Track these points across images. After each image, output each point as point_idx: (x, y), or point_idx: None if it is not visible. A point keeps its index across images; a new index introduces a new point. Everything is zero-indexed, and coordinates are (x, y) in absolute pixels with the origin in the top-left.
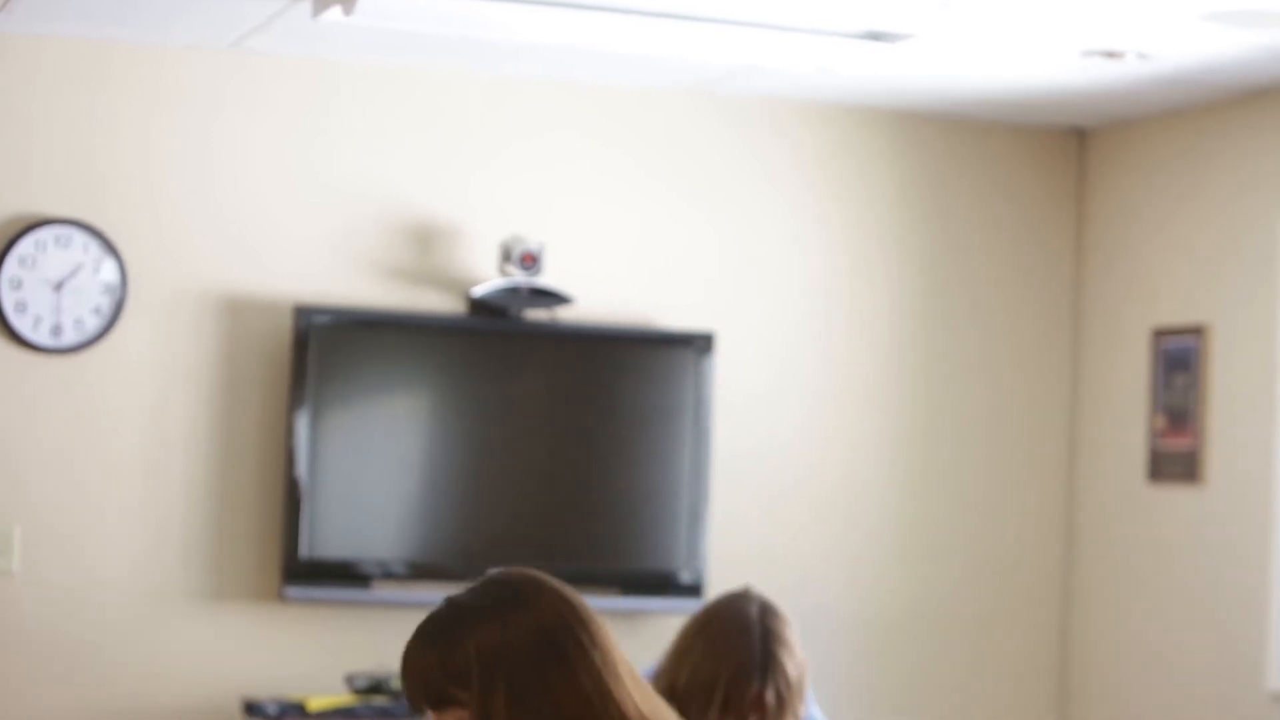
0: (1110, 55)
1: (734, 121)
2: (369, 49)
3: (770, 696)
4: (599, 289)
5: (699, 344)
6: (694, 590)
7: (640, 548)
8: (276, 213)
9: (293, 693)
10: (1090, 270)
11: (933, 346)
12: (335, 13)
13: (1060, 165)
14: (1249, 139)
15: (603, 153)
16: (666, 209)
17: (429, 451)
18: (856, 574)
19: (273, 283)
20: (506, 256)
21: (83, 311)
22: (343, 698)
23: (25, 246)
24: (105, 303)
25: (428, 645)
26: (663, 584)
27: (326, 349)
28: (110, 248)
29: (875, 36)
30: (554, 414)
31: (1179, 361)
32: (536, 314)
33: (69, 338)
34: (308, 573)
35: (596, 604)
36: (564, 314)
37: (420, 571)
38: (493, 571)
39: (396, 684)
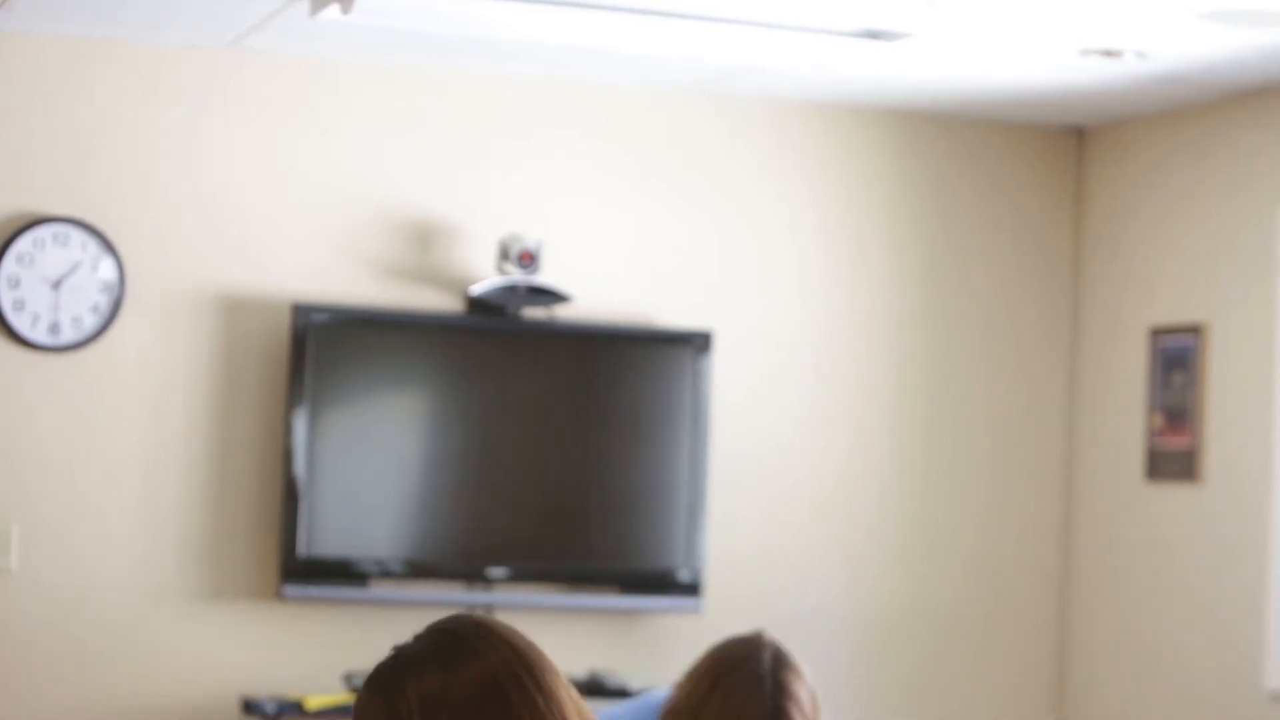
0: (1109, 54)
1: (732, 120)
2: (367, 47)
3: None
4: (597, 287)
5: (697, 342)
6: (692, 589)
7: (638, 546)
8: (275, 211)
9: (291, 691)
10: (1088, 269)
11: (931, 345)
12: (333, 11)
13: (1059, 164)
14: (1247, 138)
15: (601, 151)
16: (665, 208)
17: (427, 450)
18: (855, 572)
19: (271, 281)
20: (504, 255)
21: (81, 310)
22: (341, 696)
23: (23, 245)
24: (103, 301)
25: (374, 694)
26: (661, 583)
27: (324, 347)
28: (108, 246)
29: (873, 35)
30: (552, 412)
31: (1177, 360)
32: (534, 312)
33: (67, 336)
34: (306, 571)
35: (595, 603)
36: (562, 312)
37: (418, 570)
38: (440, 619)
39: None
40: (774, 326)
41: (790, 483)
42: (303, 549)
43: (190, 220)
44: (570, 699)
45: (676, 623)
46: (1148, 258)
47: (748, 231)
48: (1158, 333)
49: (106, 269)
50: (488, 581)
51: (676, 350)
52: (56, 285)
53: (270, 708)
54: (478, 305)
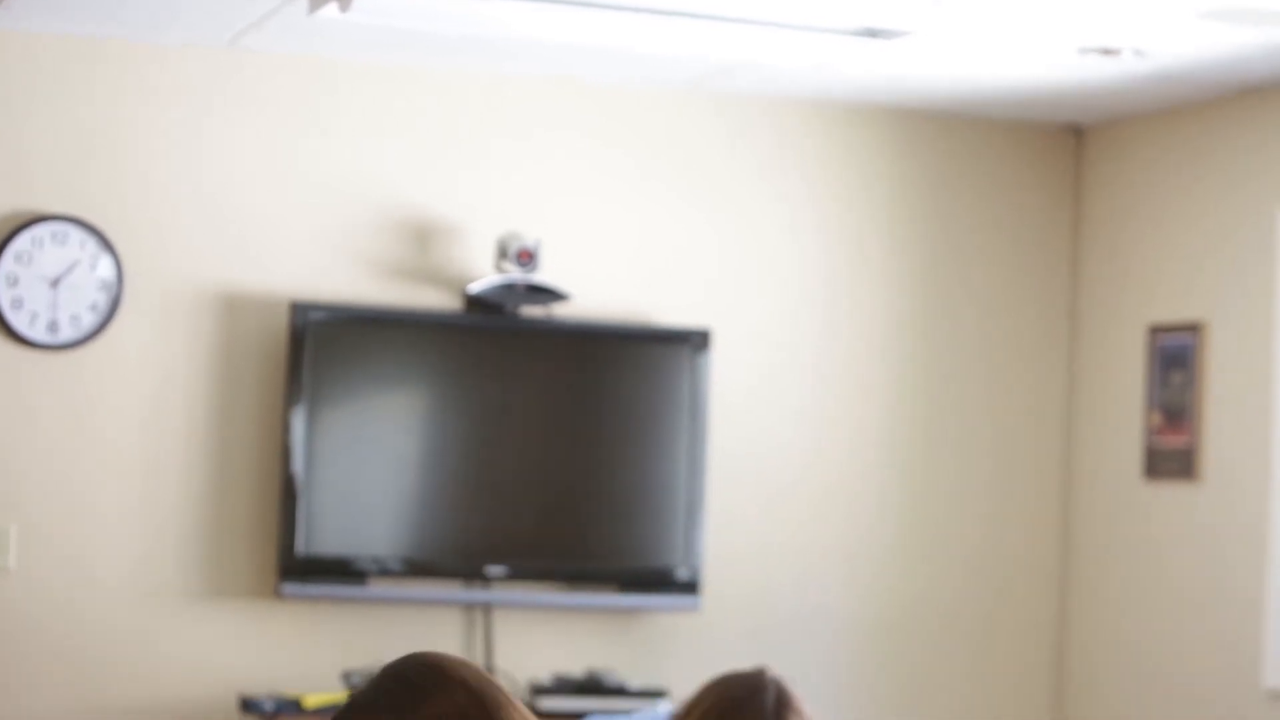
0: (1107, 52)
1: (731, 119)
2: (365, 46)
3: None
4: (595, 286)
5: (695, 341)
6: (690, 588)
7: (637, 545)
8: (273, 210)
9: (289, 689)
10: (1087, 267)
11: (929, 343)
12: (331, 10)
13: (1057, 162)
14: (1245, 136)
15: (599, 150)
16: (663, 206)
17: (425, 448)
18: (853, 570)
19: (269, 279)
20: (503, 253)
21: (79, 308)
22: (339, 695)
23: (22, 243)
24: (101, 299)
25: None
26: (659, 581)
27: (323, 346)
28: (107, 244)
29: (872, 34)
30: (550, 411)
31: (1176, 358)
32: (533, 311)
33: (65, 334)
34: (304, 570)
35: (593, 601)
36: (560, 311)
37: (416, 568)
38: (394, 661)
39: None
40: (773, 325)
41: (789, 481)
42: (301, 547)
43: (189, 219)
44: None
45: (675, 621)
46: (1146, 256)
47: (746, 230)
48: (1156, 331)
49: (105, 267)
50: (486, 580)
51: (675, 349)
52: (55, 284)
53: (269, 706)
54: (476, 304)
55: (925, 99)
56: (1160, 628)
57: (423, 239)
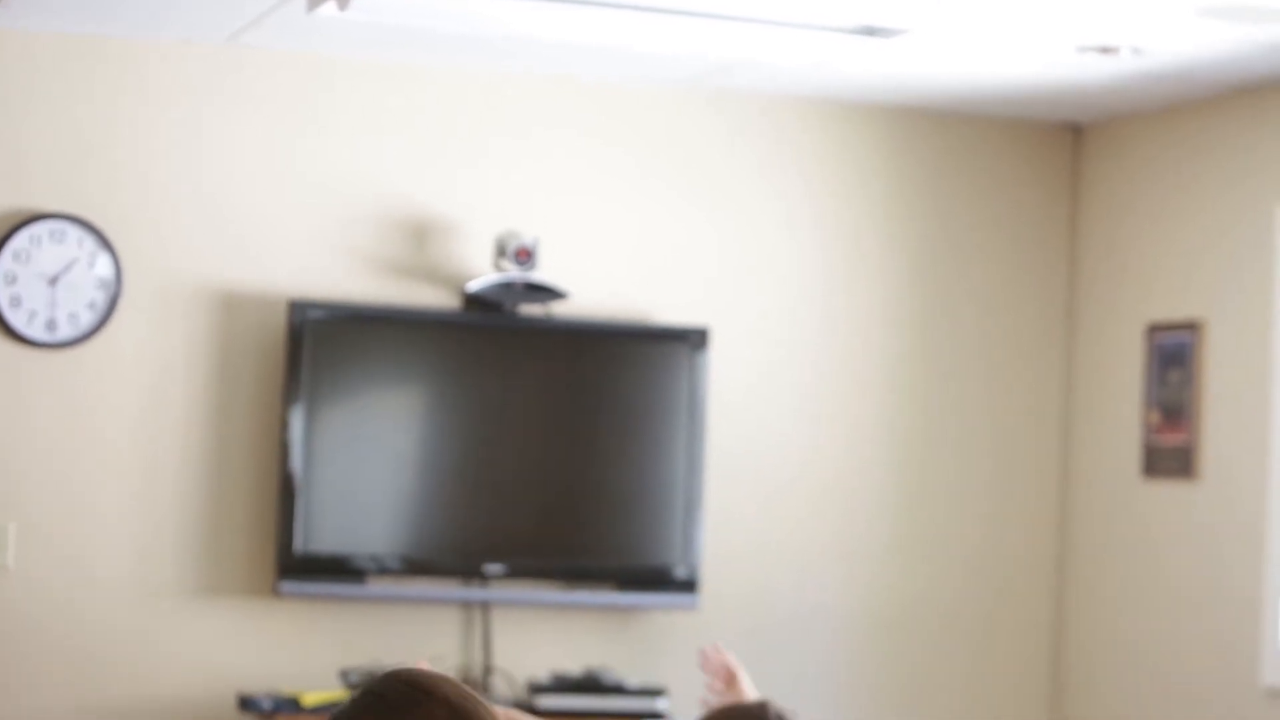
0: (1105, 51)
1: (729, 117)
2: (364, 44)
3: None
4: (594, 284)
5: (694, 339)
6: (688, 586)
7: (635, 543)
8: (271, 208)
9: (287, 687)
10: (1085, 265)
11: (927, 341)
12: (330, 7)
13: (1055, 160)
14: (1244, 134)
15: (597, 148)
16: (661, 204)
17: (423, 447)
18: (851, 569)
19: (267, 278)
20: (501, 251)
21: (77, 306)
22: (337, 693)
23: (20, 241)
24: (100, 298)
25: None
26: (658, 580)
27: (321, 344)
28: (105, 243)
29: (870, 32)
30: (548, 409)
31: (1174, 357)
32: (531, 309)
33: (63, 332)
34: (302, 568)
35: (591, 600)
36: (559, 309)
37: (414, 567)
38: (375, 678)
39: None
40: (771, 323)
41: (787, 480)
42: (299, 546)
43: (187, 217)
44: None
45: (673, 619)
46: (1144, 254)
47: (745, 228)
48: (1154, 329)
49: (103, 265)
50: (484, 578)
51: (673, 347)
52: (53, 282)
53: (267, 704)
54: (474, 302)
55: (923, 97)
56: (1158, 625)
57: (421, 237)
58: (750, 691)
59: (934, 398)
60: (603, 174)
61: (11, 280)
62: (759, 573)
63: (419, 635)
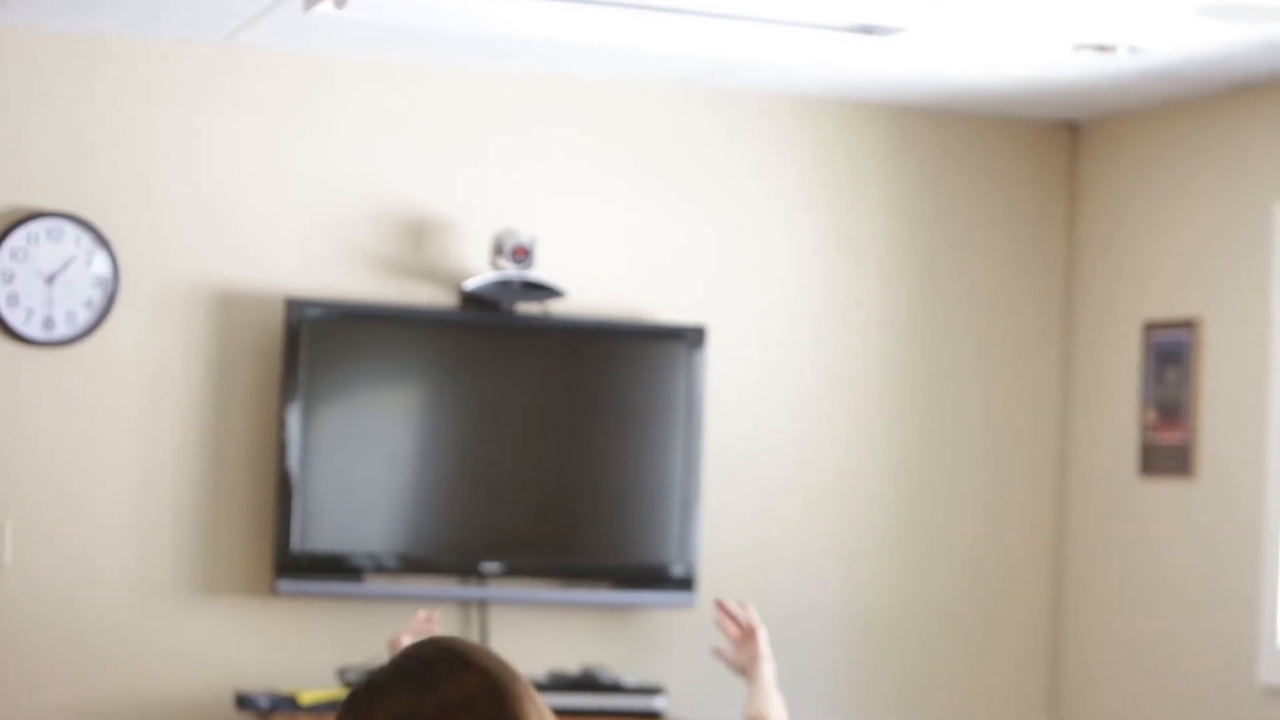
0: (1102, 49)
1: (726, 115)
2: (361, 43)
3: None
4: (591, 282)
5: (691, 337)
6: (686, 584)
7: (632, 541)
8: (268, 206)
9: (285, 686)
10: (1082, 264)
11: (925, 340)
12: (327, 6)
13: (1052, 159)
14: (1241, 133)
15: (595, 146)
16: (659, 202)
17: (421, 445)
18: (848, 568)
19: (265, 276)
20: (498, 250)
21: (74, 304)
22: (335, 691)
23: (17, 239)
24: (97, 296)
25: (345, 715)
26: (655, 578)
27: (318, 342)
28: (102, 241)
29: (868, 30)
30: (546, 408)
31: (1171, 355)
32: (528, 307)
33: (61, 331)
34: (300, 566)
35: (588, 598)
36: (556, 307)
37: (412, 565)
38: (415, 643)
39: None
40: (768, 322)
41: (784, 478)
42: (297, 544)
43: (184, 215)
44: None
45: (670, 618)
46: (1142, 252)
47: (742, 226)
48: (1152, 327)
49: (100, 264)
50: (482, 576)
51: (671, 345)
52: (50, 280)
53: (264, 702)
54: (472, 300)
55: (921, 95)
56: (1156, 624)
57: (418, 235)
58: (766, 651)
59: (931, 396)
60: (600, 173)
61: (9, 278)
62: (756, 571)
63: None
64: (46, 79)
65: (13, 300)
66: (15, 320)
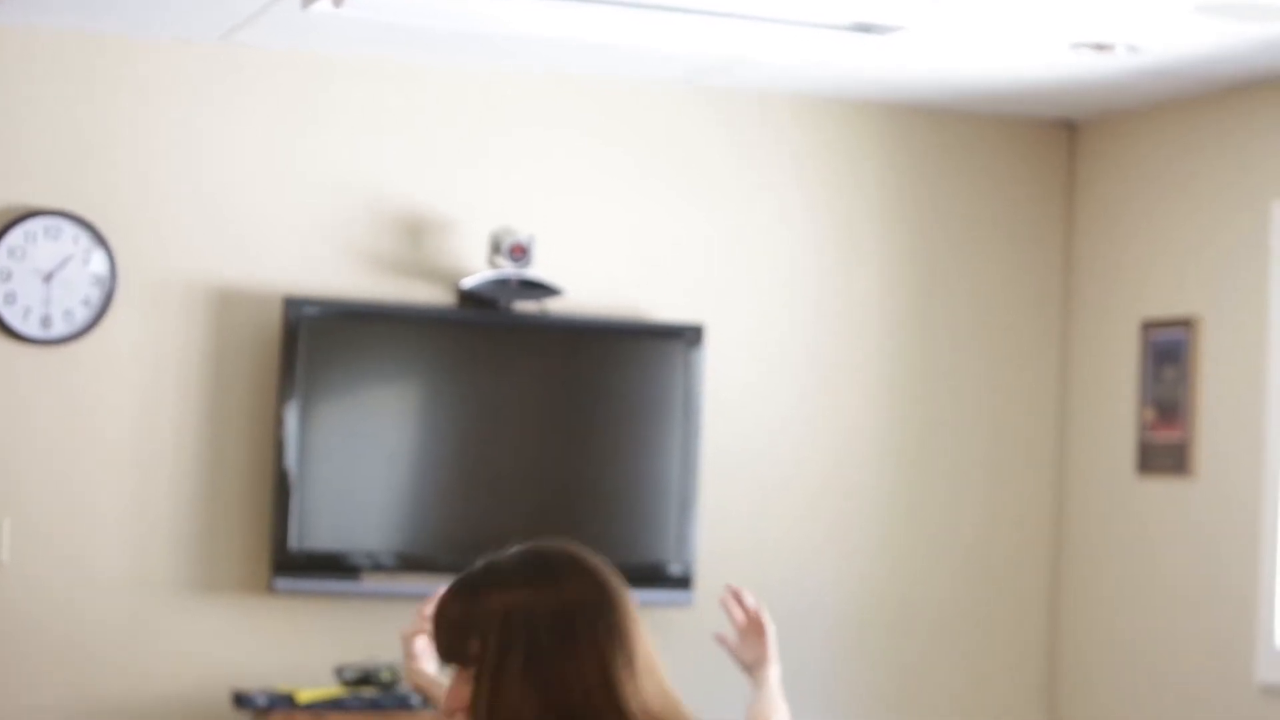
0: (1100, 48)
1: (724, 114)
2: (358, 41)
3: None
4: (589, 281)
5: (688, 336)
6: (683, 582)
7: (629, 540)
8: (266, 204)
9: (282, 684)
10: (1080, 262)
11: (922, 339)
12: (324, 4)
13: (1050, 158)
14: (1239, 131)
15: (592, 145)
16: (656, 201)
17: (418, 443)
18: (845, 566)
19: (262, 274)
20: (496, 248)
21: (72, 303)
22: (332, 689)
23: (14, 238)
24: (94, 294)
25: (456, 598)
26: (652, 576)
27: (316, 340)
28: (100, 239)
29: (865, 29)
30: (543, 406)
31: (1169, 354)
32: (526, 306)
33: (58, 329)
34: (297, 565)
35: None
36: (553, 306)
37: (409, 563)
38: (538, 543)
39: (385, 675)
40: (765, 320)
41: (782, 476)
42: (294, 542)
43: (182, 213)
44: (643, 650)
45: (668, 616)
46: (1139, 251)
47: (739, 225)
48: (1149, 326)
49: (98, 262)
50: None
51: (668, 344)
52: (48, 278)
53: (261, 701)
54: (469, 299)
55: (918, 94)
56: (1153, 622)
57: (416, 234)
58: (774, 653)
59: (929, 395)
60: (598, 171)
61: (6, 277)
62: (754, 570)
63: None
64: (44, 77)
65: (10, 299)
66: (13, 319)
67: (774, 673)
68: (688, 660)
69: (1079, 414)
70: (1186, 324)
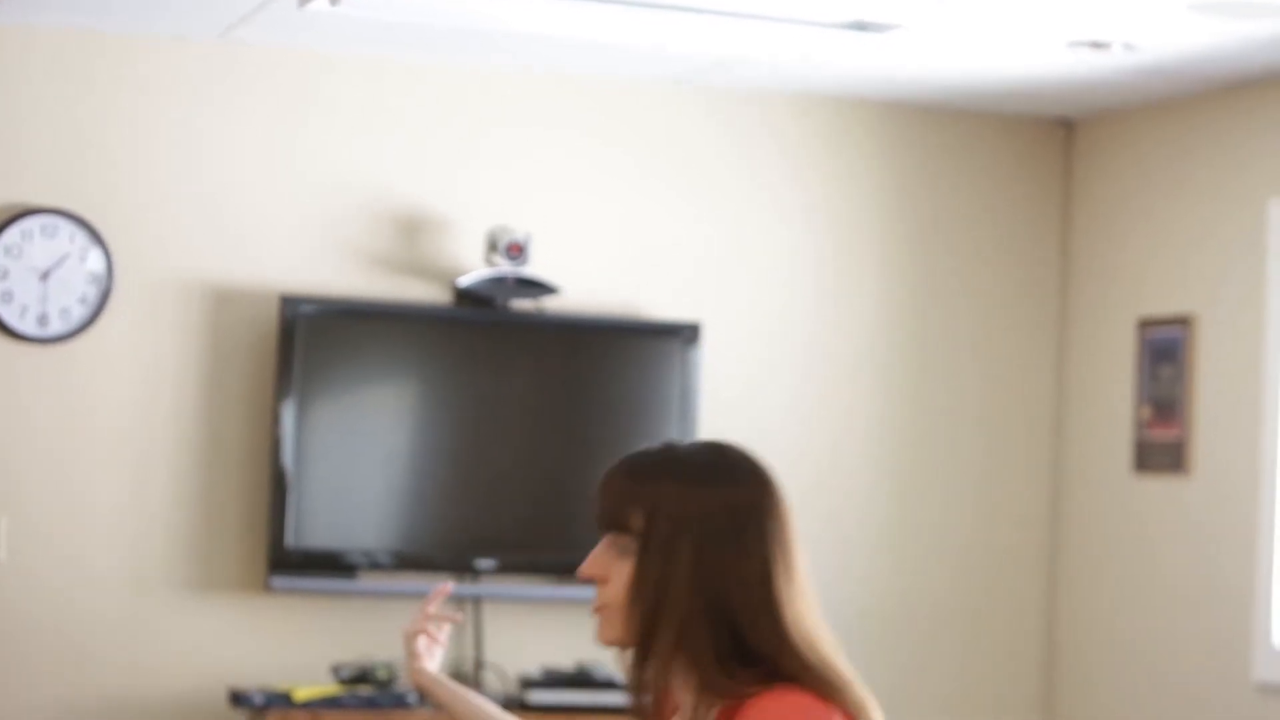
0: (1097, 46)
1: (720, 112)
2: (355, 39)
3: None
4: (585, 279)
5: (685, 334)
6: None
7: None
8: (263, 203)
9: (279, 683)
10: (1076, 261)
11: (919, 337)
12: (321, 3)
13: (1047, 156)
14: (1235, 130)
15: (589, 143)
16: (653, 200)
17: (415, 442)
18: (843, 564)
19: (259, 273)
20: (493, 247)
21: (69, 301)
22: (329, 688)
23: (11, 236)
24: (91, 292)
25: (628, 473)
26: None
27: (312, 339)
28: (96, 237)
29: (861, 27)
30: (540, 404)
31: (1165, 352)
32: (523, 304)
33: (55, 327)
34: (294, 563)
35: (582, 594)
36: (550, 304)
37: (406, 562)
38: (722, 443)
39: (382, 674)
40: (762, 318)
41: (778, 474)
42: (291, 541)
43: (179, 212)
44: (801, 566)
45: None
46: (1136, 249)
47: (736, 223)
48: (1146, 324)
49: (95, 260)
50: (476, 573)
51: (665, 342)
52: (45, 276)
53: (258, 699)
54: (466, 297)
55: (915, 93)
56: (1150, 621)
57: (413, 232)
58: None
59: (926, 393)
60: (595, 169)
61: (3, 275)
62: None
63: None
64: (41, 75)
65: (7, 297)
66: (10, 317)
67: None
68: None
69: (1076, 412)
70: (1183, 322)
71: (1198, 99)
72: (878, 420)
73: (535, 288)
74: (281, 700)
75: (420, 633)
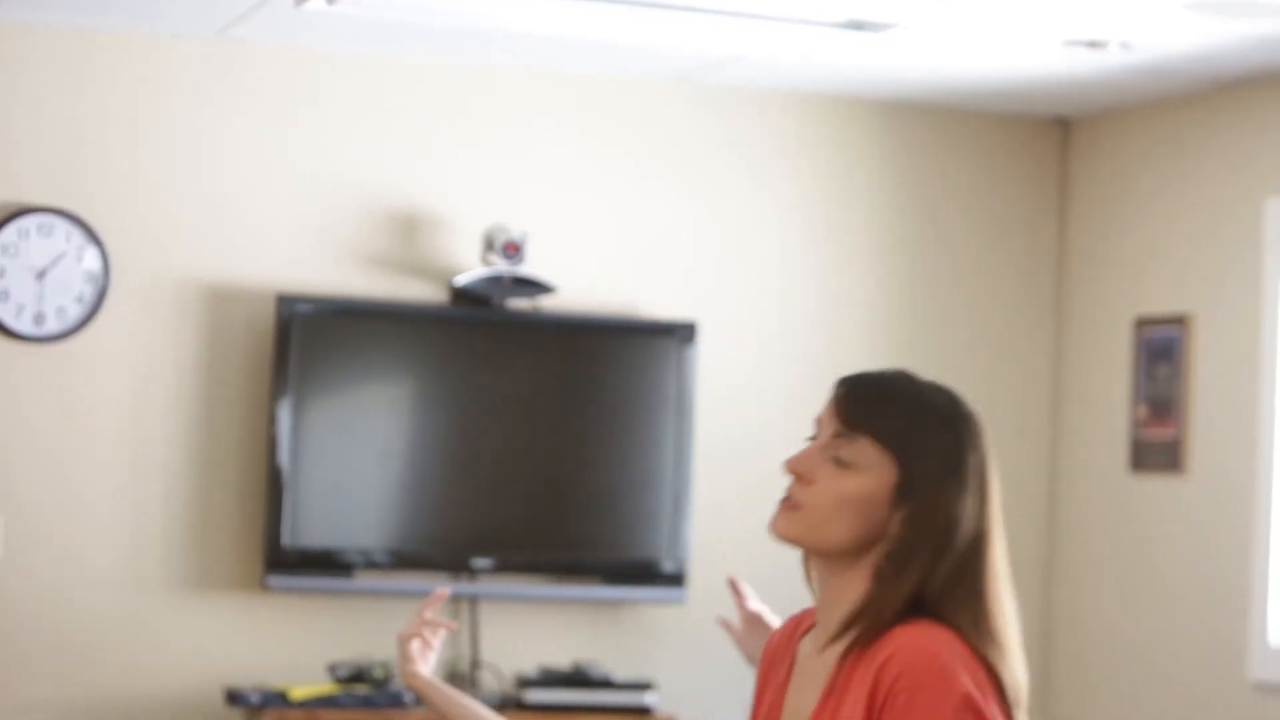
0: (1093, 45)
1: (718, 111)
2: (352, 38)
3: None
4: (582, 278)
5: (682, 333)
6: (676, 580)
7: (623, 537)
8: (260, 201)
9: (275, 682)
10: (1073, 260)
11: (915, 335)
12: (318, 2)
13: (1043, 155)
14: (1232, 129)
15: (586, 142)
16: (650, 198)
17: (411, 441)
18: None
19: (255, 272)
20: (489, 246)
21: (65, 300)
22: (325, 687)
23: (8, 235)
24: (88, 291)
25: (878, 392)
26: (645, 573)
27: (309, 338)
28: (93, 236)
29: (858, 26)
30: (537, 403)
31: (1162, 351)
32: (519, 303)
33: (51, 326)
34: (290, 562)
35: (579, 594)
36: (547, 303)
37: (402, 561)
38: (954, 393)
39: (379, 672)
40: (759, 317)
41: (775, 473)
42: (287, 540)
43: (175, 210)
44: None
45: (661, 613)
46: (1133, 249)
47: (732, 222)
48: (1142, 324)
49: (91, 259)
50: (472, 572)
51: (661, 341)
52: (41, 275)
53: (254, 699)
54: (462, 296)
55: (911, 91)
56: (1146, 620)
57: (409, 231)
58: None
59: None
60: (591, 168)
61: None
62: (748, 567)
63: None
64: (38, 74)
65: (3, 296)
66: (6, 316)
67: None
68: (680, 658)
69: (1072, 411)
70: (1179, 321)
71: (1194, 98)
72: None
73: (532, 287)
74: (278, 699)
75: (415, 637)
